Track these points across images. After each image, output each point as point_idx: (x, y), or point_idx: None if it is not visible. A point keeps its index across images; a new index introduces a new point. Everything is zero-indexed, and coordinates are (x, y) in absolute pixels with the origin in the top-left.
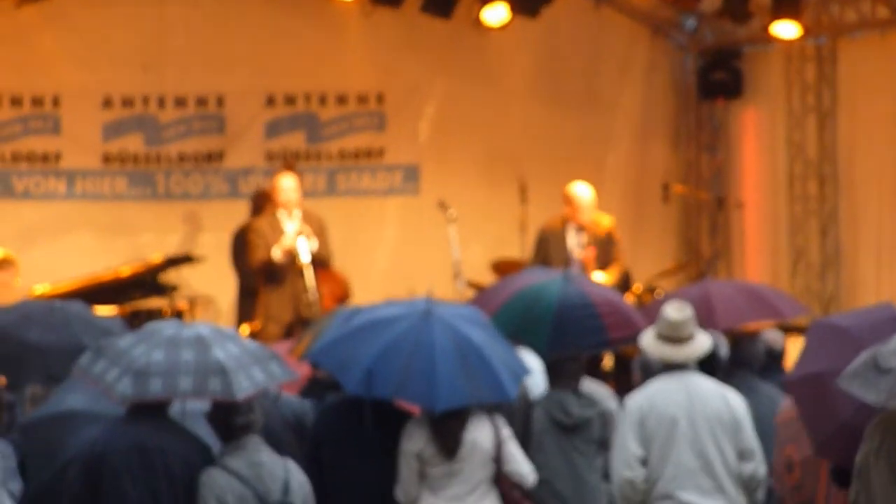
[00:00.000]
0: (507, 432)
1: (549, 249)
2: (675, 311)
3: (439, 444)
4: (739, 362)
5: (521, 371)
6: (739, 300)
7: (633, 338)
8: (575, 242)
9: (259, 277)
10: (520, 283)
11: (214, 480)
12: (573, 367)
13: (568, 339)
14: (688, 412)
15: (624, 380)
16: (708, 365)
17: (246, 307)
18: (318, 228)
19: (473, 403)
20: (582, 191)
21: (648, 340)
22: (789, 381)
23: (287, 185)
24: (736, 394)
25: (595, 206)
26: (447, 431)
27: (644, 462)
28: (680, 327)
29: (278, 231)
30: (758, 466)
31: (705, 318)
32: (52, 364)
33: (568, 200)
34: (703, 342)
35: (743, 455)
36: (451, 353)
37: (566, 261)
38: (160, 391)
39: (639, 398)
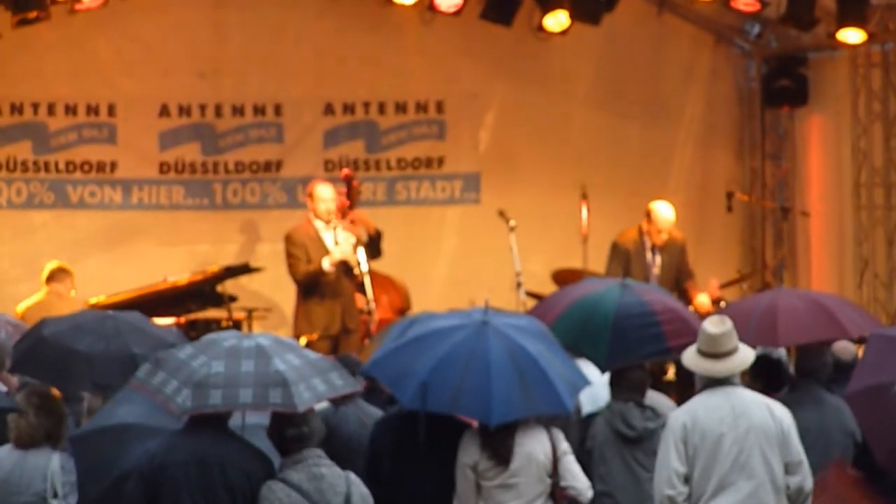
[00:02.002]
0: (565, 447)
1: (629, 265)
2: (714, 325)
3: (491, 454)
4: (806, 373)
5: (580, 383)
6: (806, 316)
7: None
8: (652, 261)
9: (301, 289)
10: (577, 292)
11: (275, 494)
12: (636, 377)
13: (627, 348)
14: (732, 427)
15: (687, 391)
16: (774, 376)
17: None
18: (365, 223)
19: (529, 416)
20: (665, 210)
21: (690, 356)
22: (850, 394)
23: (327, 194)
24: (781, 406)
25: (674, 227)
26: (497, 441)
27: (686, 479)
28: (720, 341)
29: (317, 241)
30: (805, 479)
31: (766, 334)
32: (98, 373)
33: (649, 217)
34: (745, 355)
35: (789, 468)
36: (507, 365)
37: (646, 279)
38: (220, 403)
39: (682, 414)
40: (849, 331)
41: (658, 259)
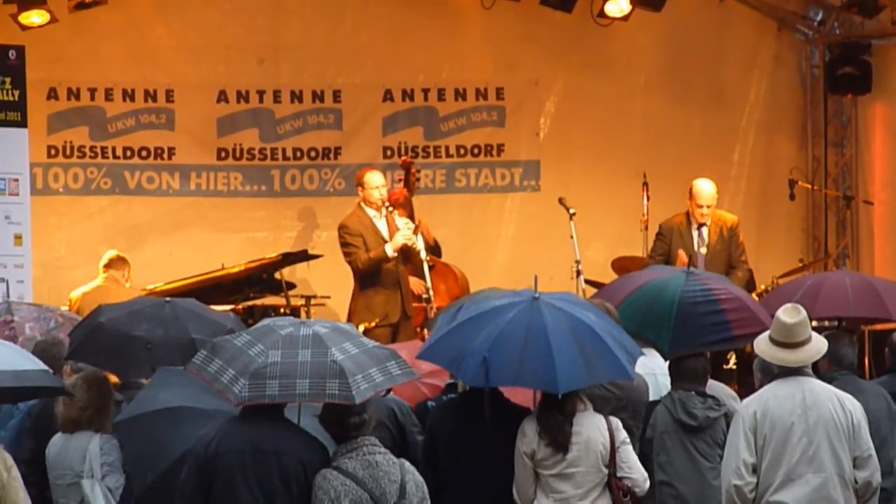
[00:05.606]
0: (623, 436)
1: (670, 245)
2: (789, 314)
3: (549, 441)
4: (839, 362)
5: (636, 352)
6: (851, 292)
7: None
8: (699, 239)
9: (360, 278)
10: (641, 280)
11: (329, 482)
12: (697, 365)
13: (691, 334)
14: (803, 418)
15: (747, 381)
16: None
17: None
18: (425, 231)
19: (594, 384)
20: (704, 185)
21: (763, 344)
22: None
23: (377, 181)
24: (852, 398)
25: (715, 200)
26: (555, 428)
27: (754, 470)
28: (794, 331)
29: (372, 229)
30: (873, 474)
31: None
32: (158, 358)
33: (691, 194)
34: (818, 345)
35: (858, 462)
36: (566, 335)
37: (689, 258)
38: (277, 394)
39: (752, 404)
40: (893, 313)
41: (705, 237)
